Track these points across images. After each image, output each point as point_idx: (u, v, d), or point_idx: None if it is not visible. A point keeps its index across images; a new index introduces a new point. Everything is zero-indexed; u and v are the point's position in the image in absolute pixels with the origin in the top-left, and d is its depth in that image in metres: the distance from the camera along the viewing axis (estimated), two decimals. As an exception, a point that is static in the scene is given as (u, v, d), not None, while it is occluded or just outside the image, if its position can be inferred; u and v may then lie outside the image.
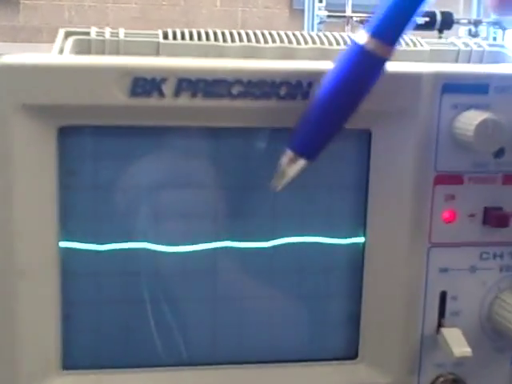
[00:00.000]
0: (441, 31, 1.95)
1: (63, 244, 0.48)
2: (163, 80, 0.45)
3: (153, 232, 0.50)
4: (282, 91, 0.47)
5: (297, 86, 0.47)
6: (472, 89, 0.49)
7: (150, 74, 0.45)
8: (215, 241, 0.50)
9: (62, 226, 0.48)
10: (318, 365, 0.52)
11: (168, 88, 0.45)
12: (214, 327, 0.51)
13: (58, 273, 0.48)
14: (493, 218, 0.50)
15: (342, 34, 0.63)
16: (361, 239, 0.51)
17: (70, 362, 0.49)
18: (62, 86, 0.44)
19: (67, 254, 0.48)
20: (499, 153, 0.50)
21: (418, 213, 0.50)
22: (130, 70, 0.45)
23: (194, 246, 0.50)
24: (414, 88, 0.48)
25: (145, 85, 0.45)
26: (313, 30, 2.23)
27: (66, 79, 0.44)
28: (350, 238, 0.51)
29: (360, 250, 0.51)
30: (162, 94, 0.45)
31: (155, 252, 0.49)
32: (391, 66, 0.48)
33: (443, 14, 1.96)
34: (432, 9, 1.92)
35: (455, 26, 1.99)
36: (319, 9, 2.24)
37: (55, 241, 0.47)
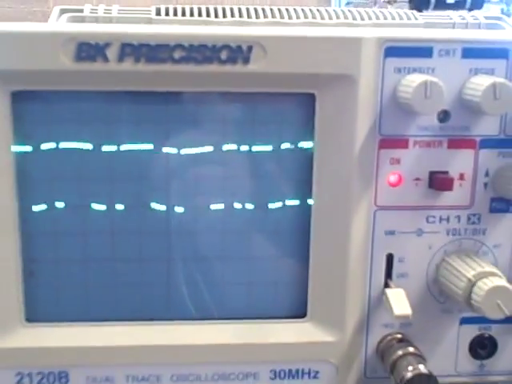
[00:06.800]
0: (471, 10, 1.87)
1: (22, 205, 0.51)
2: (107, 45, 0.47)
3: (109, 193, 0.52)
4: (223, 55, 0.49)
5: (237, 51, 0.49)
6: (415, 52, 0.49)
7: (94, 39, 0.47)
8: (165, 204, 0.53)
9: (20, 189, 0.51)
10: (268, 322, 0.54)
11: (112, 53, 0.48)
12: (168, 286, 0.54)
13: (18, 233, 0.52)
14: (438, 181, 0.51)
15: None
16: (308, 202, 0.53)
17: (34, 315, 0.53)
18: (12, 51, 0.47)
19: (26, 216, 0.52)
20: (444, 117, 0.50)
21: (363, 176, 0.51)
22: (75, 36, 0.47)
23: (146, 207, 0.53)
24: (354, 52, 0.49)
25: (89, 49, 0.47)
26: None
27: (15, 45, 0.47)
28: (297, 200, 0.53)
29: (307, 212, 0.53)
30: (106, 59, 0.48)
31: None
32: (332, 31, 0.50)
33: (474, -8, 1.88)
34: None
35: (486, 5, 1.90)
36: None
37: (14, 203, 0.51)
